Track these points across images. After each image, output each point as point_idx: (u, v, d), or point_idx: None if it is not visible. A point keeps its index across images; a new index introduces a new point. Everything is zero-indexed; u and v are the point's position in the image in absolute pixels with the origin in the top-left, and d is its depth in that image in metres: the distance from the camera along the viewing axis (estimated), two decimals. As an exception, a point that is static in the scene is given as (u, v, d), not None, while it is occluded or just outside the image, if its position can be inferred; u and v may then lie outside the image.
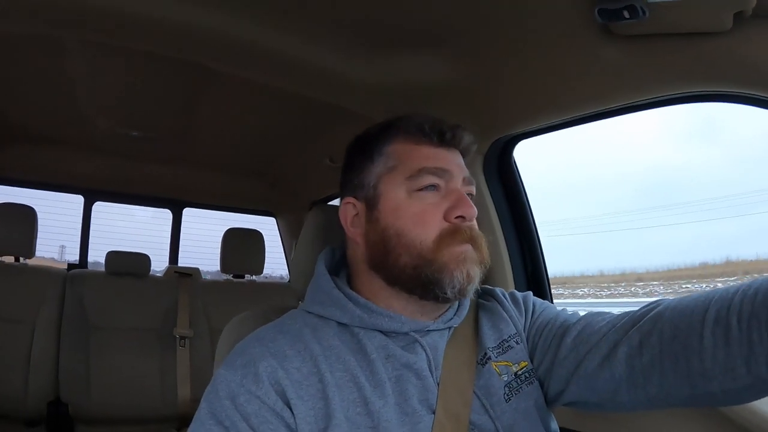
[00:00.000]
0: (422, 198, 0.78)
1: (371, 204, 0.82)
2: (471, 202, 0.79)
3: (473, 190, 0.84)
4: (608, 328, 0.76)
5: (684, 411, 1.04)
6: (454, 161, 0.82)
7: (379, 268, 0.80)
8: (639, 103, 1.10)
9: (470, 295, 0.79)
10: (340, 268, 0.88)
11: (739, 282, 0.67)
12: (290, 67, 1.36)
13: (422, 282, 0.76)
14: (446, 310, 0.83)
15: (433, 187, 0.79)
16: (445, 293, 0.75)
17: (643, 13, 0.84)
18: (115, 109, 2.02)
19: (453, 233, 0.76)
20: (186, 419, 2.34)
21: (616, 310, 0.82)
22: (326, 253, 0.89)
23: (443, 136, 0.82)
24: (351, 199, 0.85)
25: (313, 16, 1.16)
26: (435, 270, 0.75)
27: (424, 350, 0.77)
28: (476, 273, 0.78)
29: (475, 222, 0.80)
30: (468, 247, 0.77)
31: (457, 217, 0.77)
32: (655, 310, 0.73)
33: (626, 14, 0.85)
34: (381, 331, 0.77)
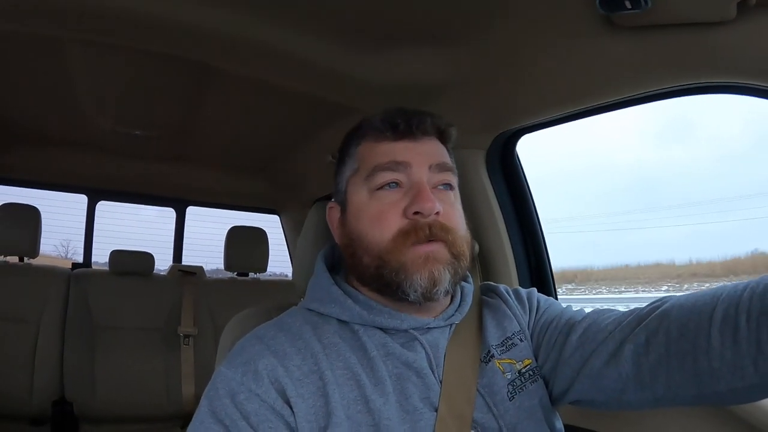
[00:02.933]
0: (381, 197, 0.77)
1: (343, 207, 0.83)
2: (430, 195, 0.75)
3: (448, 177, 0.81)
4: (614, 326, 0.75)
5: (690, 408, 1.03)
6: (414, 150, 0.79)
7: (351, 268, 0.81)
8: (642, 95, 1.09)
9: (440, 297, 0.76)
10: (341, 265, 0.88)
11: (747, 279, 0.66)
12: (292, 65, 1.36)
13: (385, 282, 0.75)
14: (446, 308, 0.82)
15: (395, 184, 0.77)
16: (408, 296, 0.74)
17: (645, 3, 0.83)
18: (117, 108, 2.02)
19: (409, 231, 0.74)
20: (190, 417, 2.31)
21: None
22: (326, 250, 0.89)
23: (396, 128, 0.79)
24: (333, 203, 0.87)
25: (316, 14, 1.16)
26: (394, 271, 0.74)
27: (423, 348, 0.76)
28: (443, 274, 0.74)
29: (446, 214, 0.76)
30: (435, 247, 0.74)
31: (415, 213, 0.74)
32: (662, 308, 0.71)
33: (628, 4, 0.84)
34: (381, 329, 0.76)
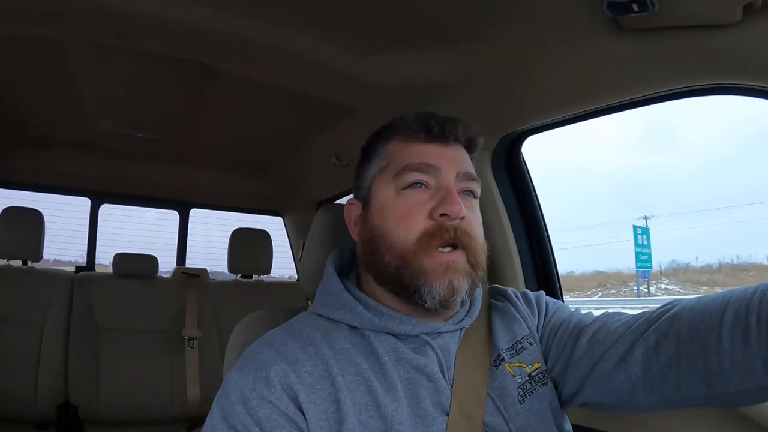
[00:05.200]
0: (408, 196, 0.77)
1: (366, 204, 0.83)
2: (458, 199, 0.75)
3: (473, 186, 0.81)
4: (624, 329, 0.75)
5: (699, 409, 1.03)
6: (445, 156, 0.79)
7: (369, 266, 0.81)
8: (648, 96, 1.09)
9: (456, 306, 0.77)
10: (350, 269, 0.88)
11: (758, 282, 0.66)
12: (296, 66, 1.36)
13: (404, 284, 0.75)
14: (456, 312, 0.82)
15: (421, 184, 0.77)
16: (425, 302, 0.74)
17: (653, 5, 0.83)
18: (120, 110, 2.02)
19: (434, 233, 0.74)
20: (195, 420, 2.35)
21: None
22: (335, 254, 0.89)
23: (430, 131, 0.80)
24: (354, 200, 0.86)
25: (319, 15, 1.16)
26: (414, 274, 0.74)
27: (435, 352, 0.76)
28: (462, 284, 0.74)
29: (468, 221, 0.77)
30: (455, 256, 0.75)
31: (441, 215, 0.75)
32: (672, 311, 0.71)
33: (635, 7, 0.84)
34: (392, 334, 0.76)
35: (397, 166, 0.79)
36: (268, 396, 0.67)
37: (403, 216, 0.76)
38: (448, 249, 0.75)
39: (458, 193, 0.78)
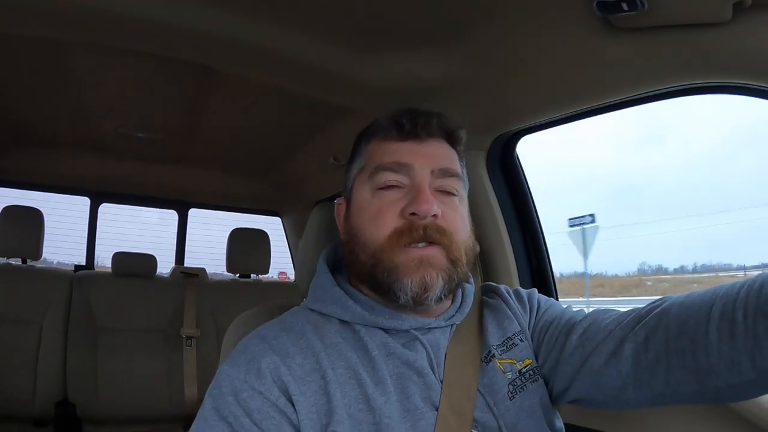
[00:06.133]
0: (382, 196, 0.78)
1: (348, 204, 0.84)
2: (428, 197, 0.74)
3: (452, 182, 0.80)
4: (614, 325, 0.75)
5: (690, 407, 1.03)
6: (419, 153, 0.79)
7: (350, 264, 0.82)
8: (640, 96, 1.10)
9: (431, 303, 0.75)
10: (343, 265, 0.89)
11: (745, 278, 0.67)
12: (293, 67, 1.37)
13: (378, 281, 0.75)
14: (447, 308, 0.82)
15: (397, 183, 0.78)
16: (399, 299, 0.74)
17: (642, 5, 0.83)
18: (120, 110, 2.03)
19: (403, 231, 0.74)
20: (193, 419, 2.33)
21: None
22: (328, 250, 0.90)
23: (402, 129, 0.80)
24: (341, 199, 0.88)
25: (316, 16, 1.17)
26: (386, 271, 0.74)
27: (425, 348, 0.76)
28: (436, 280, 0.73)
29: (446, 217, 0.76)
30: (430, 251, 0.74)
31: (411, 214, 0.75)
32: (661, 307, 0.72)
33: (625, 6, 0.85)
34: (382, 329, 0.77)
35: (371, 166, 0.80)
36: (258, 387, 0.68)
37: (375, 215, 0.77)
38: (422, 245, 0.74)
39: (434, 191, 0.78)
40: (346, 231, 0.83)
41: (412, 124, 0.80)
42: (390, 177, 0.78)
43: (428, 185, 0.77)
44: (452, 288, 0.78)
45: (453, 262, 0.76)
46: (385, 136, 0.81)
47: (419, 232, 0.74)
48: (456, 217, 0.79)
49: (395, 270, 0.73)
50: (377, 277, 0.75)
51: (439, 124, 0.82)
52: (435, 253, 0.74)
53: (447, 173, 0.80)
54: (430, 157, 0.79)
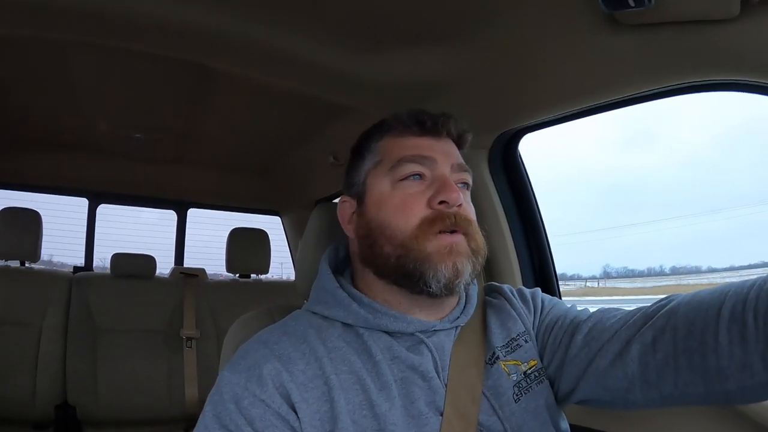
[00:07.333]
0: (405, 187, 0.78)
1: (360, 200, 0.83)
2: (455, 187, 0.76)
3: (466, 177, 0.83)
4: (620, 325, 0.74)
5: (697, 408, 1.02)
6: (439, 148, 0.81)
7: (368, 261, 0.81)
8: (645, 93, 1.08)
9: (459, 291, 0.78)
10: (345, 266, 0.88)
11: (755, 276, 0.65)
12: (293, 66, 1.36)
13: (406, 273, 0.75)
14: (452, 310, 0.81)
15: (418, 176, 0.79)
16: (430, 287, 0.74)
17: (649, 0, 0.82)
18: (118, 111, 2.02)
19: (435, 219, 0.75)
20: (193, 420, 2.32)
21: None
22: (330, 251, 0.89)
23: (423, 125, 0.82)
24: (346, 198, 0.87)
25: (316, 15, 1.16)
26: (417, 260, 0.74)
27: (430, 351, 0.76)
28: (465, 266, 0.75)
29: (465, 209, 0.78)
30: (457, 238, 0.75)
31: (440, 203, 0.76)
32: (668, 306, 0.71)
33: (631, 2, 0.83)
34: (386, 332, 0.76)
35: (392, 159, 0.80)
36: (260, 395, 0.67)
37: (400, 206, 0.77)
38: (450, 232, 0.76)
39: (455, 183, 0.79)
40: (361, 226, 0.82)
41: (433, 122, 0.82)
42: (414, 168, 0.79)
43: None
44: (473, 276, 0.79)
45: (474, 251, 0.77)
46: (403, 131, 0.83)
47: (450, 219, 0.75)
48: (471, 211, 0.81)
49: (427, 258, 0.74)
50: (406, 267, 0.75)
51: (454, 124, 0.84)
52: (461, 240, 0.76)
53: (462, 168, 0.82)
54: (448, 153, 0.82)
